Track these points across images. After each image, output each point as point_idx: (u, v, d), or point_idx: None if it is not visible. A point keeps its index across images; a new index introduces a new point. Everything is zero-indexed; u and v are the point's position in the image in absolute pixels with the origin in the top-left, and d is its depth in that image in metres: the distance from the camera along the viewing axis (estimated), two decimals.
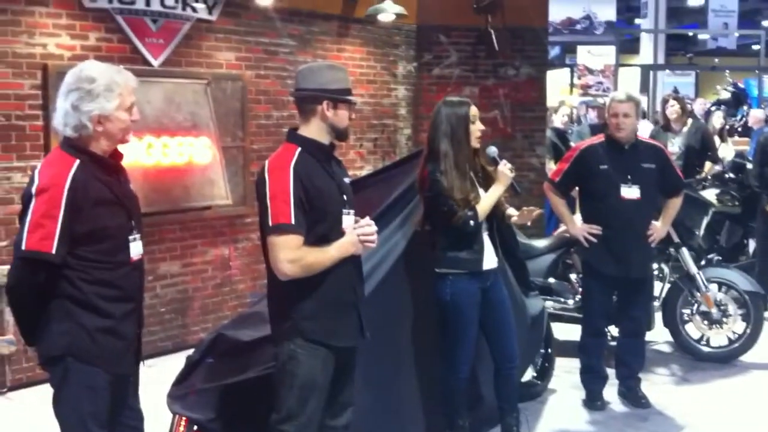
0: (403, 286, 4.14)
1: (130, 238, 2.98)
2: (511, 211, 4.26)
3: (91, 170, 2.86)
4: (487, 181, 4.14)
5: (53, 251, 2.74)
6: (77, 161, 2.83)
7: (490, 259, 4.12)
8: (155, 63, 5.97)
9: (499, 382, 4.25)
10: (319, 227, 3.09)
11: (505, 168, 4.08)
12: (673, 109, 7.69)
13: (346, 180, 3.31)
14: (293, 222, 2.99)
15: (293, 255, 2.99)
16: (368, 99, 7.56)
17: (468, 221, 3.95)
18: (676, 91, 19.34)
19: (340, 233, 3.14)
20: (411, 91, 8.03)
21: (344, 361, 3.25)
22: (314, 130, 3.18)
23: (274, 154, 3.20)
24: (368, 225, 3.19)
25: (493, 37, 7.77)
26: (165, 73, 6.01)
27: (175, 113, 6.04)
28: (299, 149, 3.12)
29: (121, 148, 3.06)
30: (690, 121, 7.87)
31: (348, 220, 3.20)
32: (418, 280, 4.17)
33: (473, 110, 4.09)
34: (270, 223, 3.01)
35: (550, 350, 5.22)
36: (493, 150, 4.14)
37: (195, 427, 3.69)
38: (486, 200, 4.03)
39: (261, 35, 6.68)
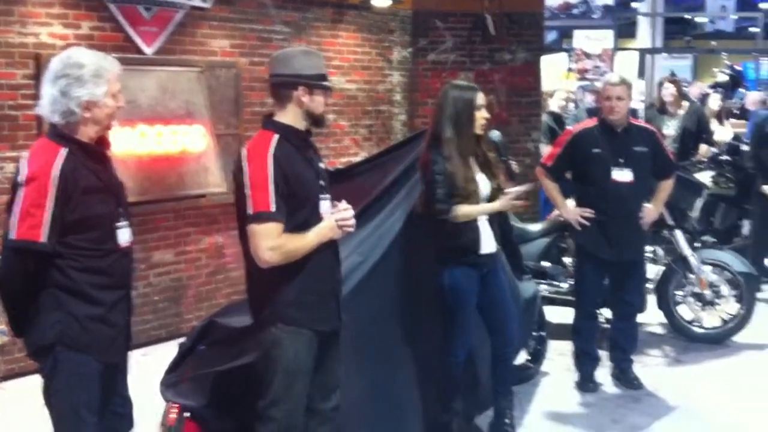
0: (398, 270, 4.15)
1: (118, 225, 2.99)
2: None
3: (79, 158, 2.87)
4: (488, 167, 4.15)
5: (43, 240, 2.76)
6: (65, 149, 2.85)
7: (487, 244, 4.12)
8: (149, 51, 5.96)
9: (497, 365, 4.27)
10: (299, 214, 3.10)
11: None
12: (668, 92, 7.70)
13: (322, 165, 3.33)
14: (274, 210, 3.00)
15: (274, 243, 3.00)
16: (363, 85, 7.56)
17: (441, 213, 3.95)
18: (673, 74, 19.34)
19: (319, 219, 3.17)
20: (406, 77, 8.02)
21: (328, 344, 3.27)
22: (290, 117, 3.18)
23: (251, 141, 3.19)
24: (346, 209, 3.20)
25: (489, 21, 7.75)
26: (158, 62, 6.00)
27: (168, 101, 6.04)
28: (277, 136, 3.12)
29: (114, 136, 3.07)
30: (686, 103, 7.88)
31: (325, 205, 3.22)
32: (414, 264, 4.18)
33: (480, 96, 4.08)
34: (251, 212, 3.02)
35: (543, 333, 5.24)
36: (496, 134, 4.11)
37: (187, 414, 3.72)
38: (471, 209, 3.99)
39: (255, 22, 6.67)
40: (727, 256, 5.91)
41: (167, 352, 5.38)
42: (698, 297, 5.77)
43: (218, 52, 6.45)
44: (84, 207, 2.84)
